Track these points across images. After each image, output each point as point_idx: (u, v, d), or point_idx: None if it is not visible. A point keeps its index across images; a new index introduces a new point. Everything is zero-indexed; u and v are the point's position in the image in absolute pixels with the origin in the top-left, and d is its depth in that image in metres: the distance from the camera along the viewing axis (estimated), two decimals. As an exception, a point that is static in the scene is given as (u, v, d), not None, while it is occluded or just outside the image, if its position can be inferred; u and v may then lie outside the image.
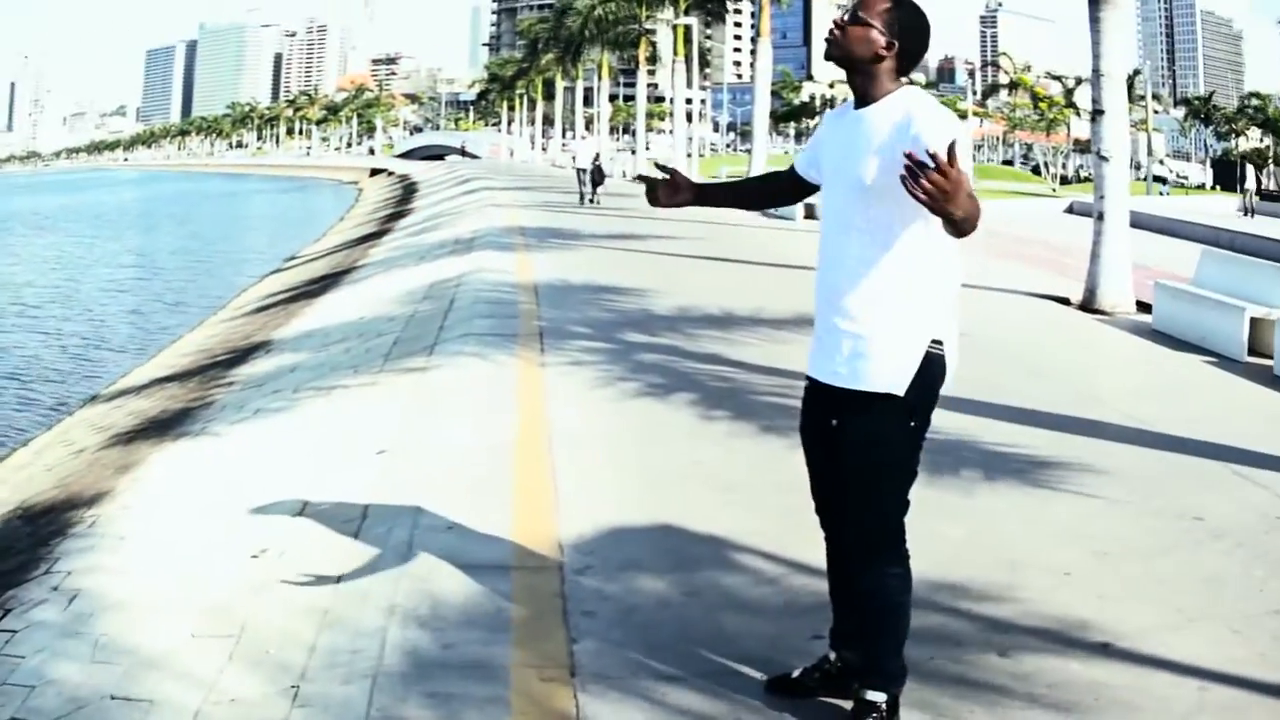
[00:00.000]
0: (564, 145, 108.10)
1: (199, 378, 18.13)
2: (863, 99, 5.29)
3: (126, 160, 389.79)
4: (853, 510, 5.34)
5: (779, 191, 6.14)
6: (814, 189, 5.79)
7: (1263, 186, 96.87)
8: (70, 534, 9.33)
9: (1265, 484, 9.73)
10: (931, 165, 4.33)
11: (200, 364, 20.07)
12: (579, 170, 48.33)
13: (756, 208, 6.38)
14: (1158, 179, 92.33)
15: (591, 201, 46.43)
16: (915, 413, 5.25)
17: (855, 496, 5.31)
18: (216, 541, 8.45)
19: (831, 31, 5.32)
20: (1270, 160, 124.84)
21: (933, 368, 5.21)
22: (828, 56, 5.36)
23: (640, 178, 5.96)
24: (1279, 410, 13.17)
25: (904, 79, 5.31)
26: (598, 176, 47.54)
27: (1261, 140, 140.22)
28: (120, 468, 11.91)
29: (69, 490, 11.56)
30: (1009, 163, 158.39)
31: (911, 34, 5.24)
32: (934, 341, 5.20)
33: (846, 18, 5.29)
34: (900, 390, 5.14)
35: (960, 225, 4.56)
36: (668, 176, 5.95)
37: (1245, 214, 59.16)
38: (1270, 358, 15.17)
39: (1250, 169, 68.00)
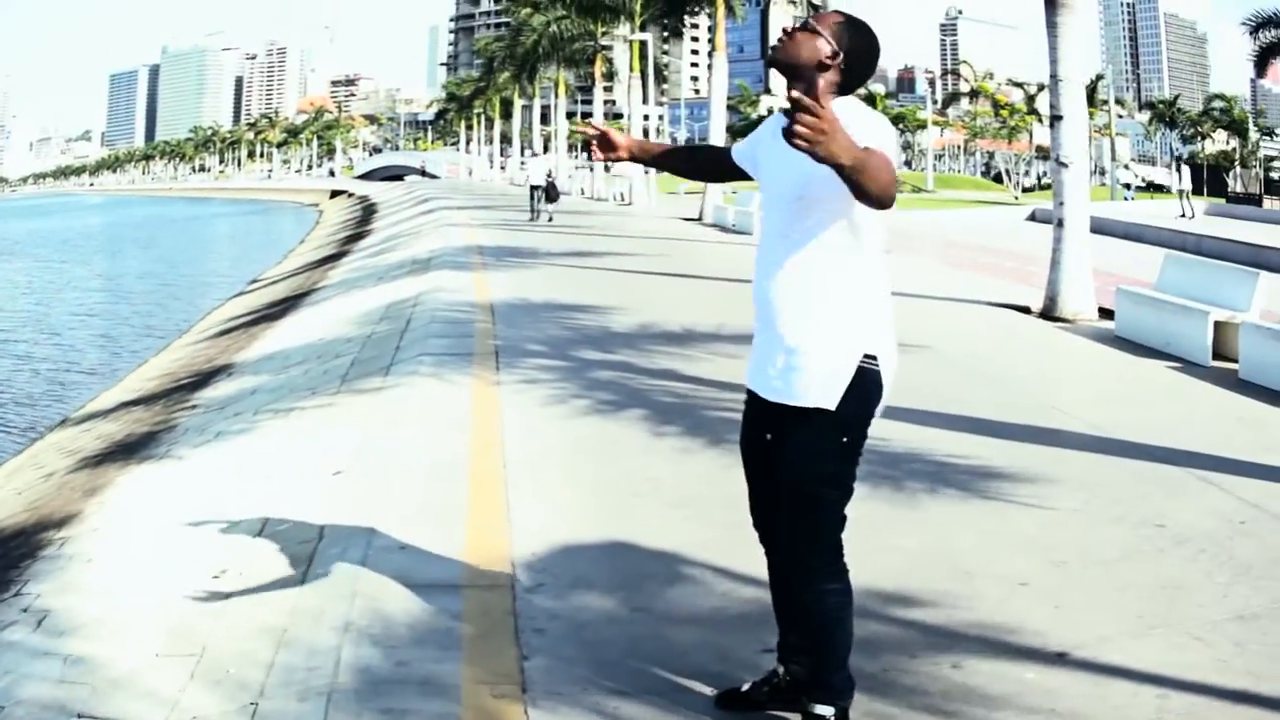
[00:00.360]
0: (522, 164, 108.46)
1: (164, 401, 18.14)
2: None
3: (92, 185, 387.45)
4: (786, 525, 5.33)
5: (713, 167, 6.25)
6: (744, 175, 5.81)
7: (1230, 189, 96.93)
8: (40, 556, 9.40)
9: (1229, 489, 9.67)
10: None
11: (165, 388, 20.07)
12: (532, 188, 48.43)
13: (689, 176, 6.45)
14: (1129, 185, 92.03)
15: (549, 219, 46.52)
16: (848, 428, 5.19)
17: (789, 511, 5.29)
18: (180, 562, 8.50)
19: (780, 37, 5.34)
20: (1236, 162, 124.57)
21: (866, 382, 5.16)
22: (772, 61, 5.37)
23: (579, 133, 5.97)
24: (1244, 414, 13.05)
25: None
26: (551, 193, 47.66)
27: (1228, 143, 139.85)
28: (88, 491, 11.96)
29: (39, 513, 11.60)
30: (989, 174, 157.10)
31: (858, 53, 5.25)
32: (867, 356, 5.15)
33: (797, 25, 5.32)
34: (832, 405, 5.10)
35: (862, 184, 4.48)
36: (601, 133, 5.92)
37: (1182, 216, 59.06)
38: (1235, 361, 15.10)
39: (1185, 171, 67.99)
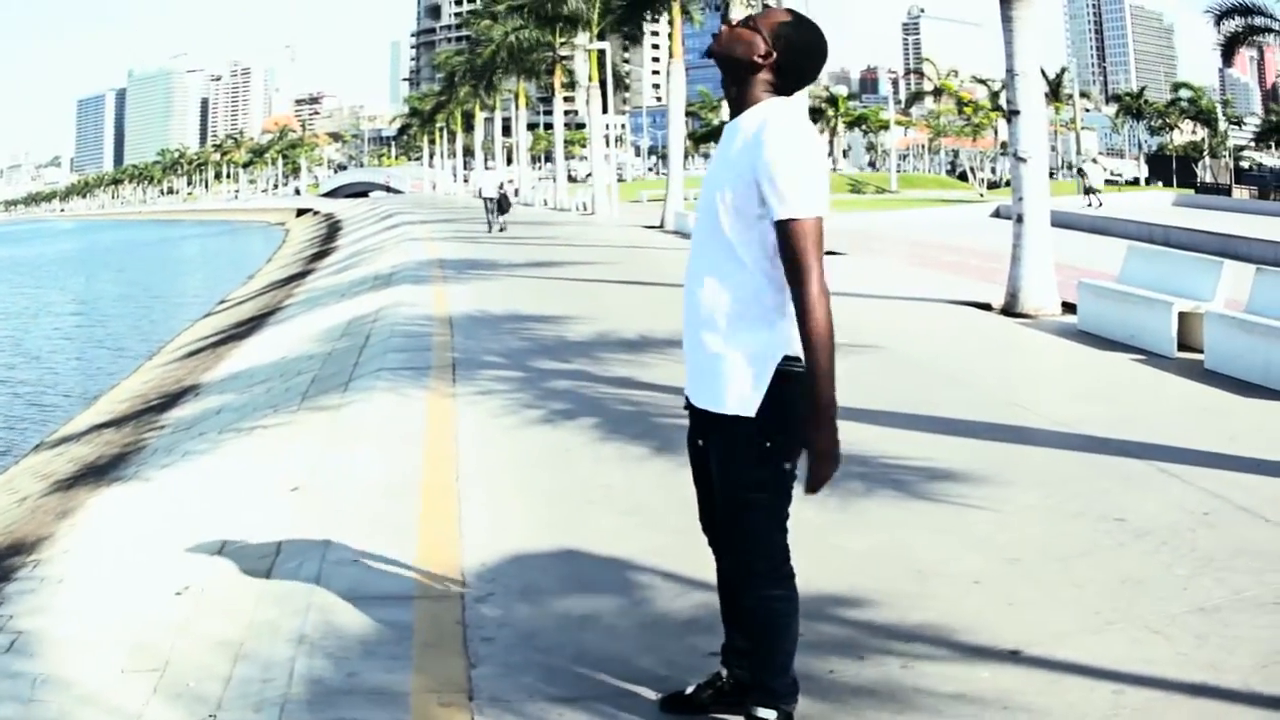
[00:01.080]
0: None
1: (134, 423, 18.16)
2: (736, 108, 5.21)
3: (63, 210, 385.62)
4: (726, 531, 5.30)
5: None
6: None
7: (1200, 179, 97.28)
8: (13, 578, 9.40)
9: (1192, 480, 9.62)
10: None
11: (135, 409, 20.08)
12: (486, 199, 49.14)
13: None
14: (1086, 179, 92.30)
15: (501, 229, 47.09)
16: (771, 434, 5.03)
17: (723, 516, 5.27)
18: (145, 581, 8.53)
19: (720, 29, 5.27)
20: (1205, 153, 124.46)
21: (789, 387, 5.01)
22: (708, 52, 5.22)
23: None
24: (1209, 405, 12.99)
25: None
26: (504, 205, 48.08)
27: (1194, 132, 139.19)
28: (60, 513, 12.00)
29: (13, 537, 11.62)
30: (954, 172, 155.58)
31: (797, 52, 5.13)
32: (789, 359, 5.03)
33: (738, 20, 5.24)
34: (750, 411, 5.01)
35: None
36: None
37: (1089, 206, 59.46)
38: (1200, 352, 14.97)
39: (1090, 164, 69.61)
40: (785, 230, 4.88)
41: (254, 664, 6.70)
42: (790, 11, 5.31)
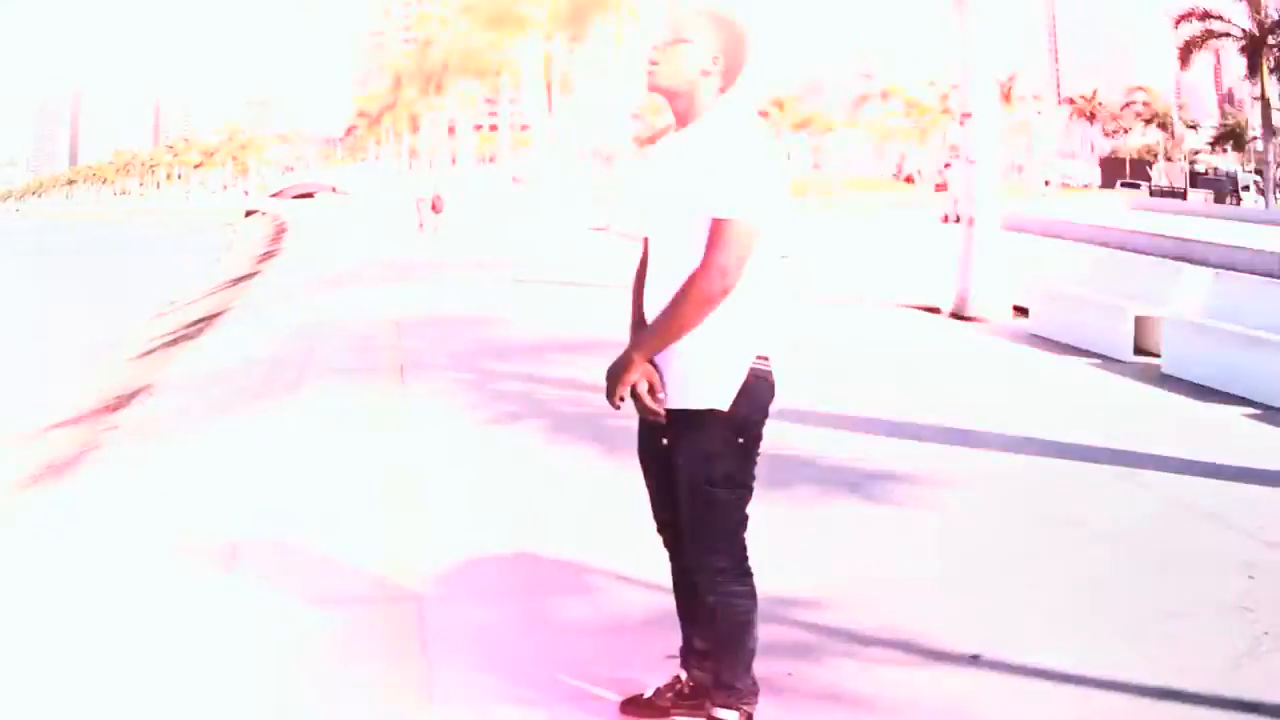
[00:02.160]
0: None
1: (87, 424, 17.98)
2: (683, 120, 5.10)
3: (18, 211, 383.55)
4: (689, 528, 5.22)
5: None
6: None
7: (1153, 183, 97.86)
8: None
9: (1151, 485, 9.63)
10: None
11: (89, 409, 19.89)
12: (418, 200, 51.37)
13: None
14: (1048, 181, 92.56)
15: (435, 230, 48.37)
16: (743, 429, 5.03)
17: (689, 515, 5.19)
18: (107, 585, 8.42)
19: (651, 60, 5.09)
20: (1160, 156, 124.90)
21: (759, 384, 5.01)
22: (653, 88, 5.11)
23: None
24: (1166, 409, 12.98)
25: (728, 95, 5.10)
26: (437, 207, 49.35)
27: (1143, 134, 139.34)
28: (10, 521, 11.86)
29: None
30: (901, 175, 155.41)
31: (734, 45, 5.05)
32: (759, 357, 5.00)
33: (665, 41, 5.08)
34: (725, 406, 4.95)
35: (687, 327, 4.91)
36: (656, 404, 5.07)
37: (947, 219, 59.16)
38: (1157, 356, 14.93)
39: (952, 177, 70.12)
40: (711, 228, 4.85)
41: (221, 666, 6.60)
42: (705, 9, 5.16)
